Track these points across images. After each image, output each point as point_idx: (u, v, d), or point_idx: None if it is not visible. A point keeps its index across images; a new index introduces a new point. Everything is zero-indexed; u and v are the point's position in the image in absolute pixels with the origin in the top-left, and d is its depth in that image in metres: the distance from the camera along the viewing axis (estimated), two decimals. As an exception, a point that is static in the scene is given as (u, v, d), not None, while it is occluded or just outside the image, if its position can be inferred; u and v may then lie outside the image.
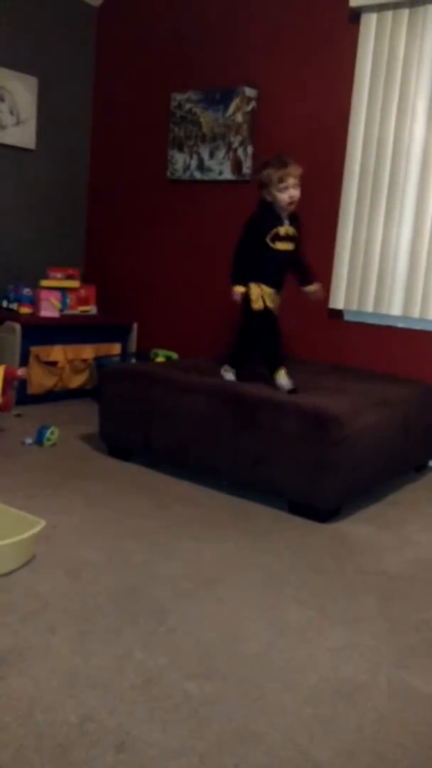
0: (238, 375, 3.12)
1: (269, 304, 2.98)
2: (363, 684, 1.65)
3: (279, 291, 3.02)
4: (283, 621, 1.91)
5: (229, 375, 3.12)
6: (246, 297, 2.98)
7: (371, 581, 2.20)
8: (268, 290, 2.97)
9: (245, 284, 2.98)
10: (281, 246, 2.95)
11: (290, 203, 2.90)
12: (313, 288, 3.13)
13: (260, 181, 2.92)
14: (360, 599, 2.07)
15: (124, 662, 1.65)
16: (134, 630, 1.79)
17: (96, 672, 1.61)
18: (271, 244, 2.94)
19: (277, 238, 2.93)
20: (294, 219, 2.98)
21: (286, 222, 2.94)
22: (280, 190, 2.86)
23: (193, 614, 1.90)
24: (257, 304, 2.97)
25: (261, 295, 2.96)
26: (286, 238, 2.95)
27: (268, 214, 2.94)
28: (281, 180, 2.85)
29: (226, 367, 3.14)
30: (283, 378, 2.93)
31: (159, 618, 1.86)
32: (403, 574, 2.27)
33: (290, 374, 2.96)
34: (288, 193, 2.87)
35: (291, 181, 2.86)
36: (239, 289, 2.98)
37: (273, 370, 2.97)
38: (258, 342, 3.07)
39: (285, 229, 2.94)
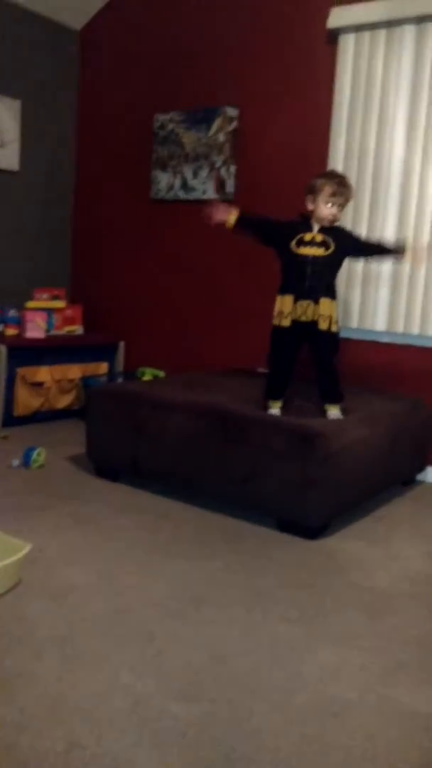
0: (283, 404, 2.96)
1: (284, 315, 2.88)
2: (352, 702, 1.64)
3: (308, 300, 2.85)
4: (272, 640, 1.90)
5: (274, 411, 2.94)
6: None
7: (360, 597, 2.19)
8: (288, 299, 2.87)
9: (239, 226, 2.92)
10: (306, 251, 2.84)
11: (331, 219, 2.84)
12: (407, 257, 2.94)
13: (311, 187, 2.85)
14: (349, 616, 2.07)
15: (112, 686, 1.64)
16: (122, 653, 1.78)
17: (83, 697, 1.59)
18: (296, 249, 2.85)
19: (302, 242, 2.85)
20: (332, 231, 2.86)
21: (316, 230, 2.86)
22: (327, 203, 2.81)
23: (181, 635, 1.89)
24: (274, 321, 2.92)
25: (281, 311, 2.89)
26: (313, 243, 2.84)
27: (301, 221, 2.89)
28: (333, 194, 2.81)
29: (268, 404, 2.96)
30: (273, 410, 2.93)
31: (147, 640, 1.85)
32: (391, 589, 2.27)
33: (284, 409, 2.93)
34: (332, 210, 2.82)
35: (341, 200, 2.82)
36: (229, 216, 2.91)
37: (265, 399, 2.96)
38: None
39: (311, 235, 2.85)
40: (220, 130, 4.03)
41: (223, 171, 4.05)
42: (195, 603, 2.08)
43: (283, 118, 3.87)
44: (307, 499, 2.60)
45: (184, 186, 4.21)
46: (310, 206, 2.86)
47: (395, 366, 3.61)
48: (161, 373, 4.24)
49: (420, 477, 3.53)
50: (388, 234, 3.52)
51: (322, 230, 2.86)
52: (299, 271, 2.86)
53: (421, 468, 3.44)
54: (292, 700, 1.64)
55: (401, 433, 3.10)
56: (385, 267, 3.55)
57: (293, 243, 2.86)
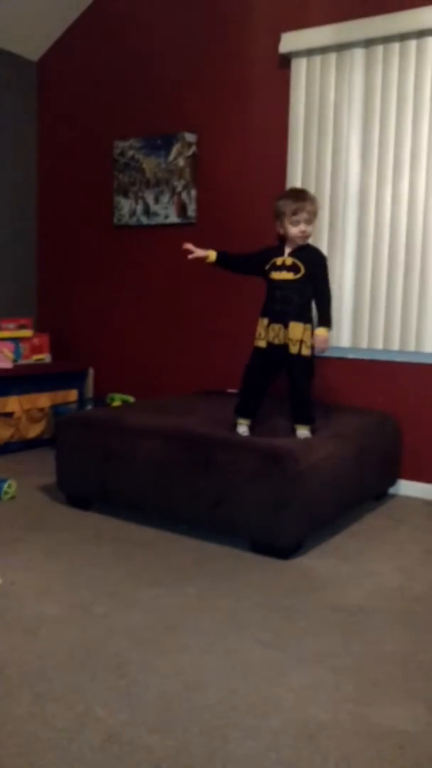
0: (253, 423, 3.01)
1: (261, 339, 2.94)
2: (326, 723, 1.64)
3: (279, 324, 2.89)
4: (246, 664, 1.89)
5: (241, 429, 3.00)
6: None
7: (334, 616, 2.19)
8: (263, 322, 2.93)
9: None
10: (277, 275, 2.90)
11: (301, 237, 2.87)
12: (316, 332, 2.91)
13: (275, 211, 2.90)
14: (323, 636, 2.07)
15: (84, 721, 1.62)
16: (94, 686, 1.76)
17: (54, 734, 1.57)
18: (269, 274, 2.93)
19: (274, 267, 2.92)
20: (303, 252, 2.90)
21: (287, 253, 2.91)
22: (293, 223, 2.85)
23: (154, 665, 1.87)
24: (257, 342, 2.97)
25: (258, 332, 2.95)
26: (284, 267, 2.89)
27: (276, 246, 2.94)
28: (295, 213, 2.84)
29: (237, 420, 3.01)
30: (241, 428, 2.98)
31: (119, 672, 1.83)
32: (364, 606, 2.28)
33: (255, 426, 2.99)
34: (299, 227, 2.85)
35: (304, 215, 2.85)
36: (209, 253, 2.99)
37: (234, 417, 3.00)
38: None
39: (282, 259, 2.90)
40: (179, 156, 4.07)
41: (184, 195, 4.09)
42: (168, 630, 2.06)
43: (241, 141, 3.92)
44: (278, 519, 2.61)
45: (147, 211, 4.24)
46: (280, 231, 2.91)
47: (361, 381, 3.65)
48: (131, 399, 4.24)
49: (392, 490, 3.56)
50: (348, 253, 3.58)
51: (295, 253, 2.90)
52: (271, 295, 2.92)
53: (392, 482, 3.47)
54: (267, 724, 1.63)
55: (370, 447, 3.13)
56: (347, 285, 3.60)
57: (267, 267, 2.93)
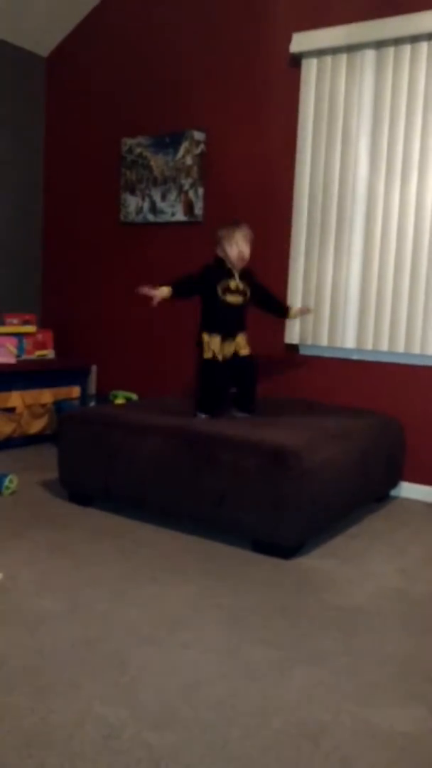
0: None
1: (216, 353, 3.13)
2: (326, 724, 1.63)
3: (230, 338, 3.18)
4: (247, 663, 1.89)
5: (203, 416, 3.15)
6: (199, 344, 3.16)
7: (335, 617, 2.19)
8: (215, 339, 3.13)
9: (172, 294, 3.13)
10: (231, 299, 3.12)
11: (240, 258, 3.06)
12: (294, 312, 3.42)
13: (216, 237, 3.13)
14: (324, 636, 2.06)
15: (84, 717, 1.61)
16: (94, 682, 1.76)
17: (55, 729, 1.56)
18: (222, 297, 3.09)
19: (228, 290, 3.11)
20: (246, 275, 3.16)
21: (237, 277, 3.11)
22: (231, 245, 3.06)
23: (155, 662, 1.87)
24: (206, 354, 3.14)
25: (209, 344, 3.13)
26: (237, 291, 3.12)
27: (221, 265, 3.11)
28: (230, 237, 3.06)
29: (199, 414, 3.14)
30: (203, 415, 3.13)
31: (120, 668, 1.83)
32: (365, 607, 2.27)
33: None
34: (238, 248, 3.06)
35: (240, 238, 3.06)
36: (160, 292, 3.09)
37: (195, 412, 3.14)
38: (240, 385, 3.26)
39: (235, 283, 3.12)
40: (187, 154, 4.07)
41: (191, 193, 4.08)
42: (169, 628, 2.06)
43: (250, 140, 3.92)
44: (281, 518, 2.60)
45: (153, 209, 4.24)
46: (221, 254, 3.11)
47: (365, 383, 3.64)
48: (134, 396, 4.23)
49: (394, 493, 3.55)
50: (355, 254, 3.58)
51: (242, 276, 3.13)
52: (224, 317, 3.14)
53: (394, 484, 3.46)
54: (268, 724, 1.63)
55: (373, 450, 3.12)
56: (353, 286, 3.59)
57: (219, 289, 3.09)
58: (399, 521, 3.18)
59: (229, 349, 3.18)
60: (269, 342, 3.84)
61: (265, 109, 3.86)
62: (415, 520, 3.21)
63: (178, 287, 3.12)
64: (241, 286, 3.13)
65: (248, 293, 3.16)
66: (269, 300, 3.31)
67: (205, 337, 3.15)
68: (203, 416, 3.12)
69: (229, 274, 3.11)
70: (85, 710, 1.64)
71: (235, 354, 3.20)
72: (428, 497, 3.51)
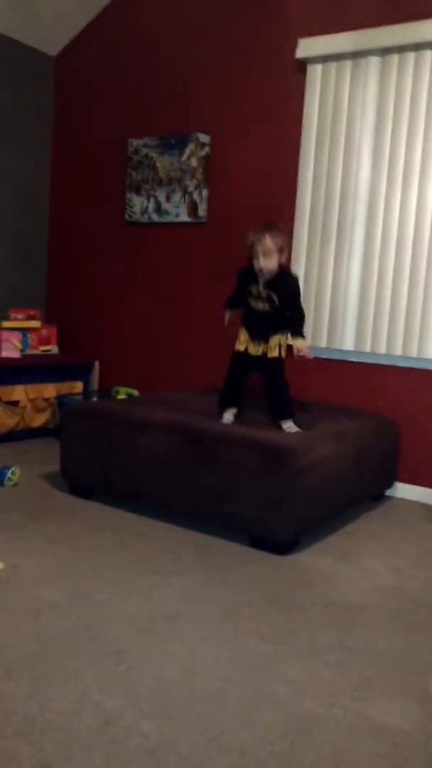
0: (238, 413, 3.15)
1: (242, 347, 3.10)
2: (320, 717, 1.67)
3: (258, 339, 3.07)
4: (243, 655, 1.93)
5: (228, 416, 3.13)
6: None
7: (329, 612, 2.23)
8: (245, 334, 3.10)
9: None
10: (255, 304, 3.04)
11: (259, 270, 2.94)
12: (291, 341, 3.09)
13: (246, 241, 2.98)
14: (318, 631, 2.10)
15: (82, 705, 1.65)
16: (92, 671, 1.80)
17: (53, 716, 1.60)
18: (248, 300, 3.06)
19: (251, 295, 3.04)
20: (276, 284, 2.98)
21: (261, 283, 2.99)
22: (253, 255, 2.93)
23: (152, 652, 1.91)
24: (236, 346, 3.13)
25: (240, 337, 3.11)
26: (259, 297, 3.01)
27: (251, 269, 3.00)
28: (252, 246, 2.92)
29: (224, 414, 3.12)
30: (228, 414, 3.11)
31: (118, 657, 1.87)
32: (360, 603, 2.31)
33: (238, 417, 3.12)
34: (257, 261, 2.91)
35: (259, 249, 2.89)
36: (227, 317, 3.19)
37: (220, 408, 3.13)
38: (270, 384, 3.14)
39: (258, 289, 3.01)
40: (192, 156, 4.11)
41: (195, 195, 4.12)
42: (166, 620, 2.10)
43: (254, 144, 3.96)
44: (277, 514, 2.64)
45: (158, 209, 4.28)
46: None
47: (363, 384, 3.68)
48: (135, 392, 4.27)
49: (389, 493, 3.60)
50: (355, 257, 3.61)
51: (268, 284, 2.98)
52: (251, 318, 3.08)
53: (389, 484, 3.51)
54: (262, 716, 1.67)
55: (369, 450, 3.16)
56: (352, 289, 3.63)
57: (247, 293, 3.05)
58: (394, 521, 3.23)
59: (257, 349, 3.08)
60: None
61: (270, 114, 3.90)
62: (410, 520, 3.25)
63: (231, 303, 3.19)
64: (264, 293, 2.99)
65: (276, 301, 2.99)
66: (286, 318, 3.08)
67: (240, 331, 3.12)
68: (228, 416, 3.10)
69: (255, 280, 3.01)
70: (83, 698, 1.68)
71: (264, 355, 3.08)
72: (423, 498, 3.55)
